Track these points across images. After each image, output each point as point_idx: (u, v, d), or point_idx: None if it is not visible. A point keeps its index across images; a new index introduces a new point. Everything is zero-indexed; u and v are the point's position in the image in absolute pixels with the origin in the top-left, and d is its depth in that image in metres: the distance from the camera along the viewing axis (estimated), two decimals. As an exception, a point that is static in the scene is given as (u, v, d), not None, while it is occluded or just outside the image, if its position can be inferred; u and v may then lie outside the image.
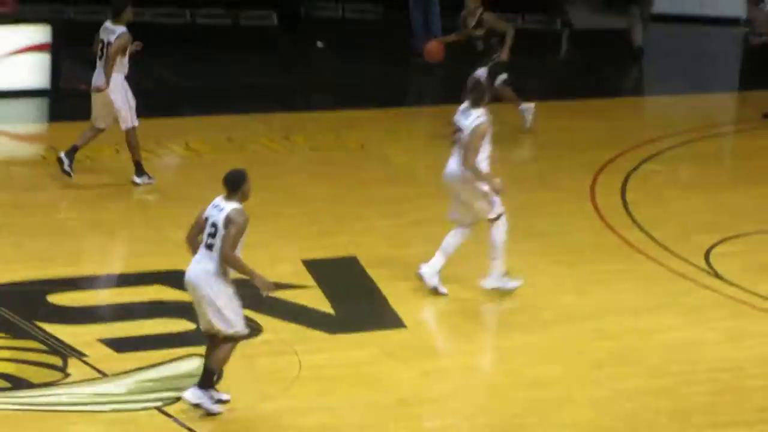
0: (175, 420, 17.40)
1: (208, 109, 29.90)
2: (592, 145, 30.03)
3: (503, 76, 27.61)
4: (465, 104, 20.57)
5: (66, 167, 24.91)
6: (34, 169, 27.44)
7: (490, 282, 21.13)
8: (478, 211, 20.68)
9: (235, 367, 17.79)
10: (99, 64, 24.77)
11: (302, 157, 28.35)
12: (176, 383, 18.43)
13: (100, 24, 25.66)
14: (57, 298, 20.69)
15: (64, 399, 18.25)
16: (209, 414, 16.98)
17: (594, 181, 27.22)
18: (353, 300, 21.56)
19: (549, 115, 30.55)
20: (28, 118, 28.90)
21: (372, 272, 22.21)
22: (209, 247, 16.57)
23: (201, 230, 16.69)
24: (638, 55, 37.41)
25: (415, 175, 27.81)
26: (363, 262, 22.59)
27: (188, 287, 16.88)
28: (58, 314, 20.29)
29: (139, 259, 21.94)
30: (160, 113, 28.39)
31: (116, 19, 24.52)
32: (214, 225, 16.50)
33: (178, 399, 17.85)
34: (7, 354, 19.08)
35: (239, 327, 16.93)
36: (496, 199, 20.50)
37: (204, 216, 16.63)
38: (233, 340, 16.92)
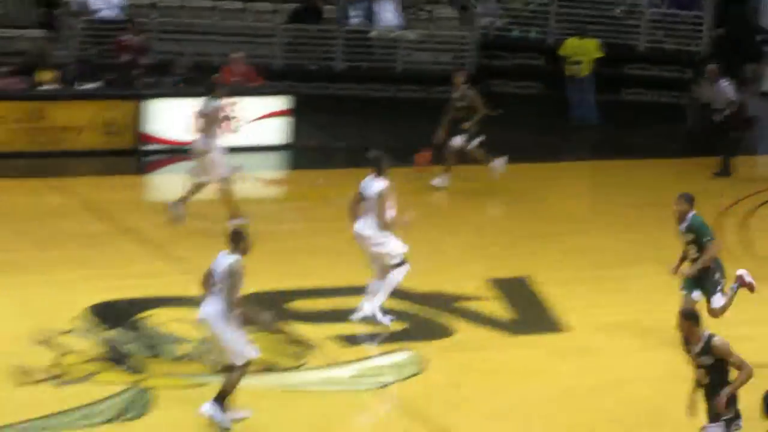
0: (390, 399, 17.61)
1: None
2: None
3: (479, 139, 26.64)
4: (369, 176, 19.73)
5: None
6: (280, 204, 27.43)
7: (368, 308, 20.01)
8: (384, 259, 19.73)
9: (439, 361, 18.19)
10: None
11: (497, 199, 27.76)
12: (389, 371, 18.64)
13: (326, 96, 26.00)
14: (299, 304, 20.79)
15: (303, 380, 18.43)
16: (223, 428, 16.23)
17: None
18: (526, 310, 21.20)
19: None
20: (273, 167, 28.94)
21: (541, 288, 21.90)
22: (216, 291, 16.14)
23: (211, 277, 16.29)
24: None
25: (563, 213, 27.26)
26: (534, 280, 22.23)
27: (202, 324, 16.41)
28: (300, 316, 20.40)
29: (357, 275, 21.92)
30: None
31: None
32: (219, 274, 16.09)
33: (391, 383, 18.10)
34: (259, 344, 19.13)
35: (247, 355, 16.32)
36: (399, 250, 19.67)
37: (212, 266, 16.27)
38: (243, 366, 16.30)
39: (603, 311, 21.17)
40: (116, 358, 18.42)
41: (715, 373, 14.69)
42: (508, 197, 27.41)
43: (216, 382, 17.32)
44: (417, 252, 20.15)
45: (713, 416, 14.74)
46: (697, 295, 18.63)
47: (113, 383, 17.60)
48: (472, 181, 27.85)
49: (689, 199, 18.77)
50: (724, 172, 28.65)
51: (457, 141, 26.43)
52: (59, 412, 16.68)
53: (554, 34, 33.87)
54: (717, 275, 18.68)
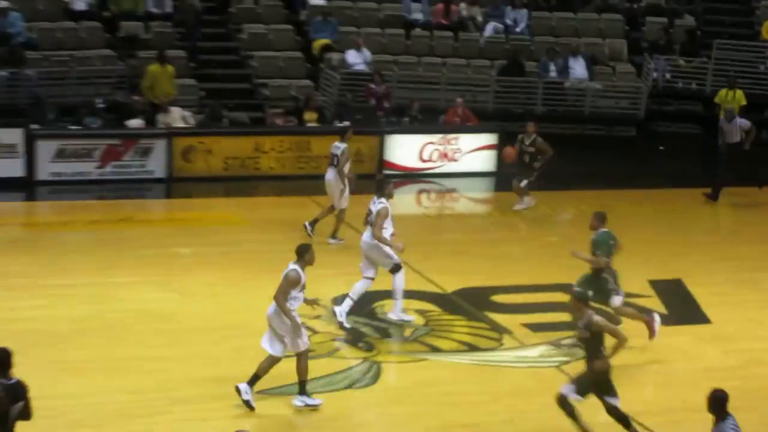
0: (566, 374, 17.57)
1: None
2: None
3: (529, 179, 25.65)
4: (375, 196, 19.24)
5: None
6: (483, 219, 27.47)
7: (392, 315, 19.59)
8: (379, 265, 19.23)
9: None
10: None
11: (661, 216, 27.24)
12: (567, 353, 18.50)
13: (553, 136, 26.63)
14: (499, 298, 20.89)
15: (499, 358, 18.68)
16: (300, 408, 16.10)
17: None
18: (678, 305, 21.13)
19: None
20: (482, 189, 28.99)
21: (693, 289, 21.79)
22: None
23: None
24: None
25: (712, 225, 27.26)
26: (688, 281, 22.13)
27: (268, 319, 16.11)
28: (500, 307, 20.53)
29: (546, 276, 22.04)
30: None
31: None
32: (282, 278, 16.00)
33: (567, 363, 18.13)
34: (465, 329, 19.55)
35: (302, 346, 16.01)
36: (395, 257, 19.15)
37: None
38: (303, 354, 16.02)
39: (744, 306, 21.16)
40: (354, 338, 19.02)
41: (591, 345, 14.94)
42: (670, 215, 27.07)
43: (434, 360, 18.05)
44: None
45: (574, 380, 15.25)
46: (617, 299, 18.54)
47: (351, 358, 18.23)
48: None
49: (600, 217, 18.56)
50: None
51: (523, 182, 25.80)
52: (309, 379, 16.84)
53: (710, 86, 33.37)
54: (610, 283, 18.31)
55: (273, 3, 32.64)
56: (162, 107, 27.78)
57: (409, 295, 20.26)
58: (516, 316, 20.04)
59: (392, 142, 28.61)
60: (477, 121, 29.75)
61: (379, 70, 30.56)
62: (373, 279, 19.22)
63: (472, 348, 18.81)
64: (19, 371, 12.42)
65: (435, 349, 18.69)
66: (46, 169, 26.27)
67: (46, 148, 26.33)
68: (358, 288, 19.23)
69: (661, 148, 29.10)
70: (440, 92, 31.19)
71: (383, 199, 19.10)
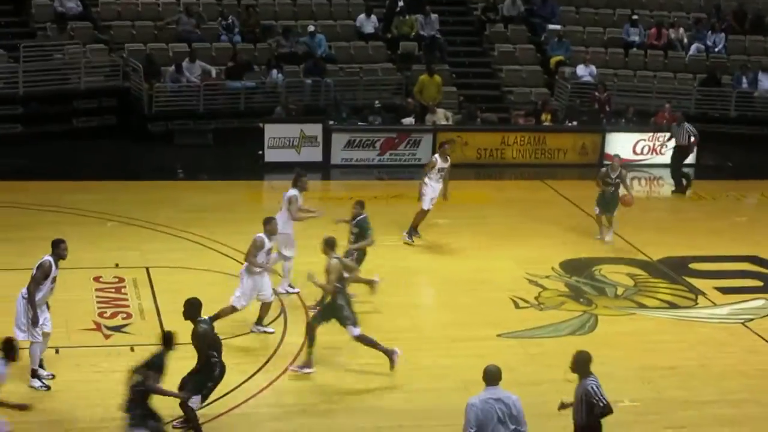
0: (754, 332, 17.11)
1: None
2: None
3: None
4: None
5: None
6: (683, 202, 25.79)
7: (280, 288, 17.23)
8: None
9: None
10: None
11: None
12: (752, 311, 18.13)
13: (722, 134, 25.89)
14: (696, 266, 20.24)
15: (694, 315, 18.20)
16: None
17: None
18: None
19: None
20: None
21: None
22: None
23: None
24: None
25: None
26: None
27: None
28: (696, 273, 19.95)
29: (734, 248, 21.22)
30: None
31: None
32: None
33: (751, 320, 17.58)
34: (667, 290, 19.05)
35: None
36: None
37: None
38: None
39: None
40: (575, 294, 18.72)
41: None
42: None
43: (640, 315, 17.65)
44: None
45: None
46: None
47: (573, 311, 17.92)
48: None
49: (360, 204, 17.18)
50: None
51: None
52: (539, 327, 17.14)
53: None
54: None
55: (519, 27, 32.32)
56: (429, 108, 27.83)
57: (622, 261, 20.11)
58: (709, 281, 19.47)
59: (612, 139, 27.85)
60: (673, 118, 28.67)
61: (602, 81, 29.90)
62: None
63: (672, 306, 18.40)
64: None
65: (642, 306, 18.30)
66: (339, 155, 26.48)
67: (339, 139, 26.53)
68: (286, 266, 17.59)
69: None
70: (651, 99, 30.26)
71: (295, 190, 17.53)
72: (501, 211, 23.28)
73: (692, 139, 25.61)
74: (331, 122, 26.93)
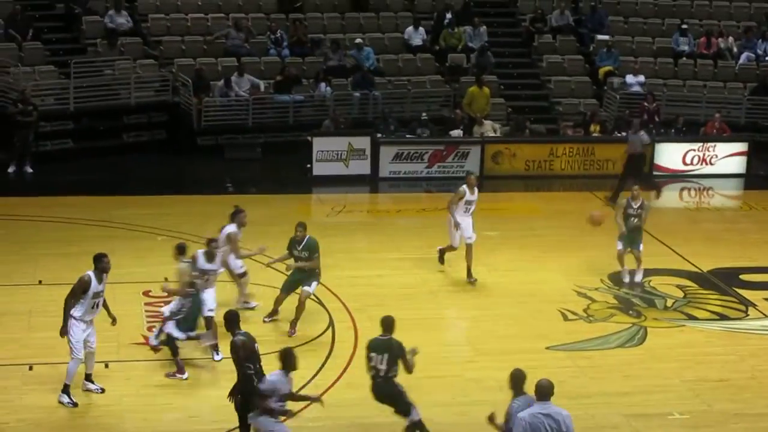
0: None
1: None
2: None
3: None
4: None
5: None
6: (734, 212, 25.63)
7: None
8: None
9: None
10: None
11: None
12: None
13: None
14: (747, 277, 20.08)
15: (745, 326, 17.99)
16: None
17: None
18: None
19: None
20: (734, 188, 27.30)
21: None
22: None
23: None
24: None
25: None
26: None
27: None
28: (745, 285, 19.77)
29: None
30: None
31: None
32: None
33: None
34: (717, 302, 18.87)
35: None
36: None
37: None
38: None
39: None
40: (625, 306, 18.59)
41: None
42: None
43: (690, 327, 17.46)
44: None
45: None
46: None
47: (622, 323, 17.82)
48: None
49: (303, 226, 16.35)
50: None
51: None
52: (588, 339, 17.05)
53: None
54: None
55: (567, 38, 32.20)
56: (477, 120, 27.78)
57: (670, 273, 19.94)
58: (760, 292, 19.28)
59: (661, 149, 27.68)
60: (730, 132, 28.57)
61: (651, 91, 29.75)
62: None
63: (723, 317, 18.23)
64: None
65: (692, 318, 18.15)
66: (387, 168, 26.47)
67: (387, 152, 26.53)
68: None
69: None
70: (701, 109, 30.03)
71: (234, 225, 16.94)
72: (550, 223, 23.19)
73: (643, 146, 25.02)
74: (379, 135, 26.97)
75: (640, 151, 25.08)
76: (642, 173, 25.27)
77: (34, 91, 26.53)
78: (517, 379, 11.27)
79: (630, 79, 30.49)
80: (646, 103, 29.19)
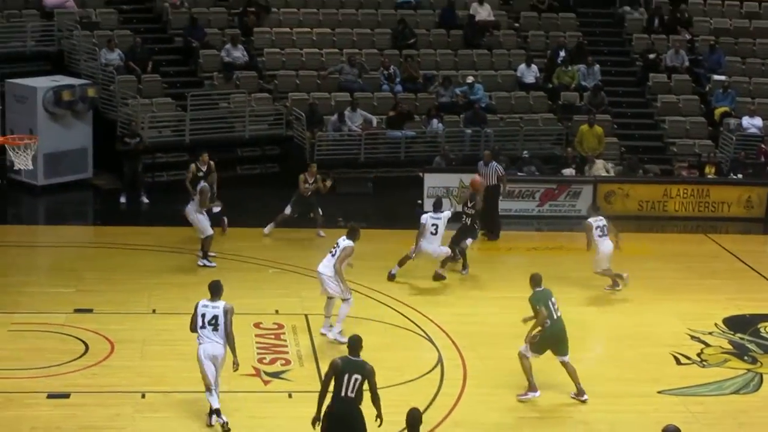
0: None
1: None
2: None
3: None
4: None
5: None
6: None
7: (330, 334, 17.25)
8: (335, 293, 17.13)
9: None
10: None
11: None
12: None
13: None
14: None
15: None
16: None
17: None
18: None
19: None
20: None
21: None
22: None
23: None
24: None
25: None
26: None
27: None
28: None
29: None
30: None
31: None
32: None
33: None
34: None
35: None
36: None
37: None
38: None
39: None
40: (740, 352, 18.26)
41: None
42: None
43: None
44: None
45: None
46: None
47: (737, 369, 17.55)
48: None
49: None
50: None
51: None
52: (701, 384, 16.81)
53: None
54: None
55: (683, 78, 31.81)
56: (589, 159, 27.60)
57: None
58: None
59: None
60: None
61: (769, 133, 29.30)
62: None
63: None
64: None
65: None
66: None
67: (498, 190, 26.48)
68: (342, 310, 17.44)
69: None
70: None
71: (350, 240, 17.30)
72: (663, 265, 22.91)
73: (498, 176, 24.08)
74: (490, 172, 26.86)
75: (494, 183, 24.00)
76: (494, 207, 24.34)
77: (151, 123, 27.13)
78: (413, 420, 11.59)
79: (746, 120, 30.01)
80: (763, 145, 28.75)
